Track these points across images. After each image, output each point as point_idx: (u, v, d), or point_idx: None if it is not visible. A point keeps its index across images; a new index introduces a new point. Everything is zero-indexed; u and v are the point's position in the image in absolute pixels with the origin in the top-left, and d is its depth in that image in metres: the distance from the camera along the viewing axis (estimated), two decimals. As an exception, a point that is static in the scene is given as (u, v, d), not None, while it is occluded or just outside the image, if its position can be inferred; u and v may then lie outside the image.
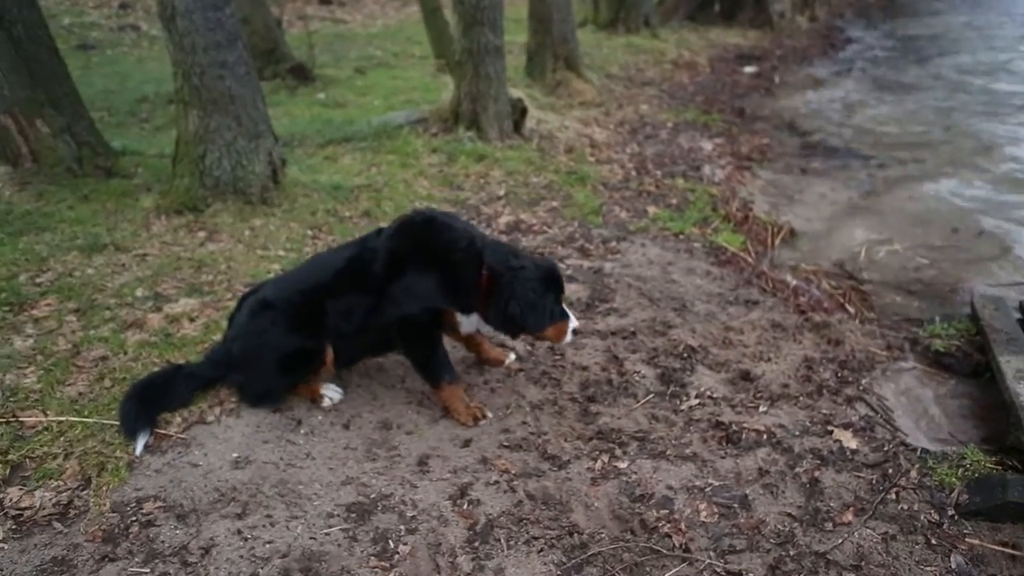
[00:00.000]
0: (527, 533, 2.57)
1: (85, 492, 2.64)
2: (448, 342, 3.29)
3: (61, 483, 2.67)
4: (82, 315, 3.72)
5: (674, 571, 2.45)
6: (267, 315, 3.06)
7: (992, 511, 2.66)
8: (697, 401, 3.35)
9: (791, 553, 2.53)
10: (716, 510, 2.71)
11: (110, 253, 4.37)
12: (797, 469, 2.94)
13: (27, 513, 2.55)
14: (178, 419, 3.02)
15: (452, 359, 3.23)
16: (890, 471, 2.93)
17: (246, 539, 2.49)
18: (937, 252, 5.48)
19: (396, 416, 3.18)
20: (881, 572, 2.47)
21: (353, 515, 2.62)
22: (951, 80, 11.90)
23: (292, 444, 2.97)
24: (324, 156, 6.33)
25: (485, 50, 6.64)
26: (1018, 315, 3.92)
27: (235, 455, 2.88)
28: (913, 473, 2.92)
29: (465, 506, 2.69)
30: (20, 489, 2.64)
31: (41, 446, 2.83)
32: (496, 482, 2.81)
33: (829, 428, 3.20)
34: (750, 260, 4.72)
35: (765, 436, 3.12)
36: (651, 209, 5.56)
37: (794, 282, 4.65)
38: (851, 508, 2.74)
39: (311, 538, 2.51)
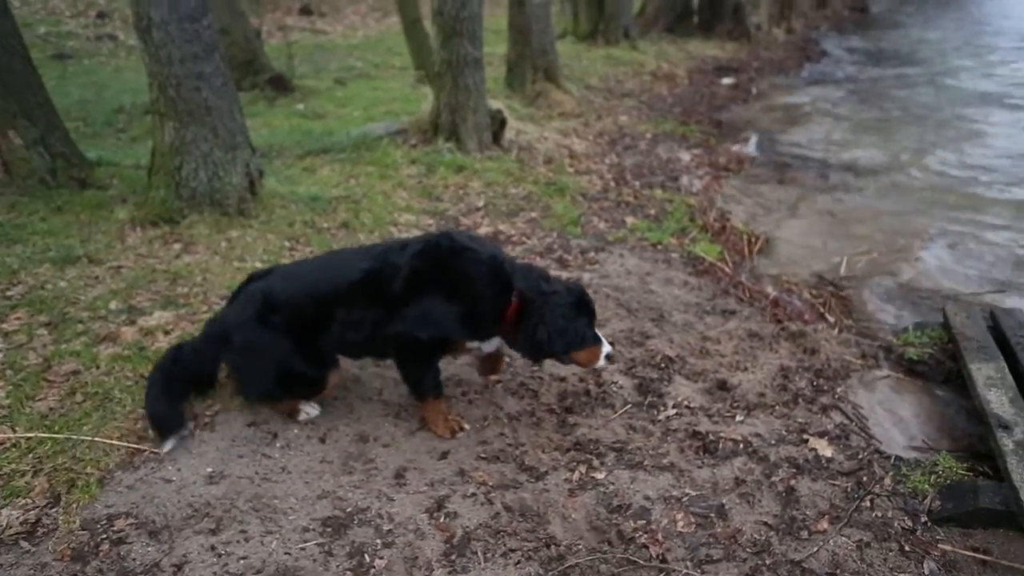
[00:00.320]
0: (504, 545, 2.56)
1: (54, 510, 2.60)
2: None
3: (29, 501, 2.62)
4: (53, 328, 3.66)
5: (651, 582, 2.45)
6: (273, 322, 2.95)
7: (964, 517, 2.70)
8: (674, 411, 3.36)
9: (767, 562, 2.54)
10: (693, 520, 2.72)
11: (83, 265, 4.32)
12: (773, 478, 2.96)
13: (-6, 532, 2.50)
14: (151, 433, 2.97)
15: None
16: (864, 479, 2.96)
17: (220, 555, 2.45)
18: (912, 260, 5.55)
19: (373, 429, 3.16)
20: (856, 579, 2.49)
21: (329, 529, 2.59)
22: (924, 92, 12.10)
23: (267, 458, 2.94)
24: (302, 167, 6.31)
25: (464, 62, 6.67)
26: (988, 323, 3.98)
27: (209, 470, 2.84)
28: (887, 480, 2.95)
29: (442, 519, 2.68)
30: (-13, 507, 2.59)
31: (9, 463, 2.78)
32: (473, 494, 2.80)
33: (805, 437, 3.22)
34: (727, 270, 4.75)
35: (742, 445, 3.14)
36: (629, 219, 5.60)
37: (774, 292, 4.68)
38: (826, 516, 2.76)
39: (286, 553, 2.48)
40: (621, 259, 4.83)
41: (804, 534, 2.67)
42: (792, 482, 2.94)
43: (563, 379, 3.55)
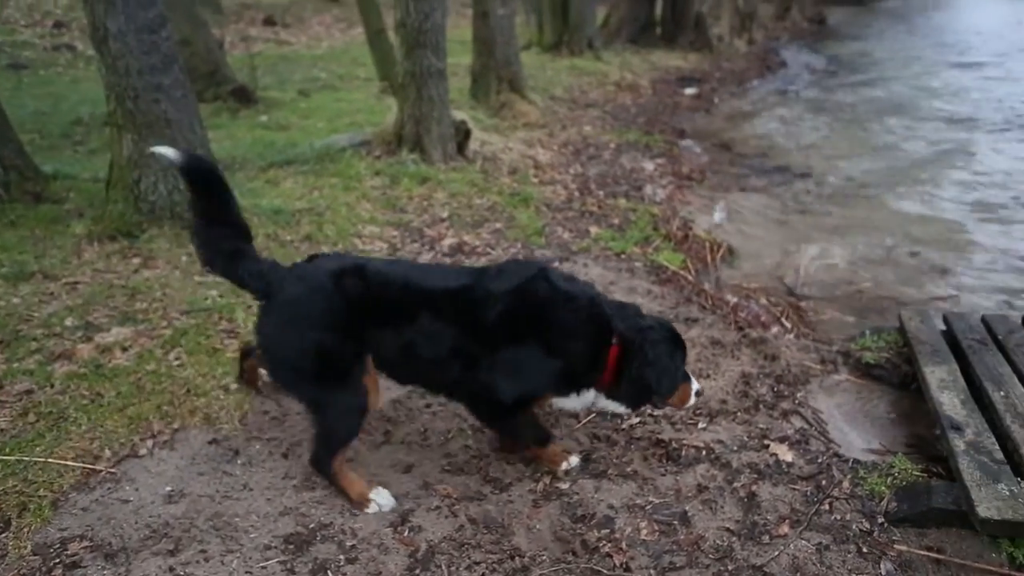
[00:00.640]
0: (469, 558, 2.56)
1: (4, 535, 2.53)
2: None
3: (-22, 526, 2.56)
4: (6, 347, 3.57)
5: (615, 591, 2.47)
6: (345, 285, 2.60)
7: (918, 517, 2.76)
8: (638, 419, 3.39)
9: (729, 568, 2.57)
10: (656, 528, 2.74)
11: (38, 281, 4.22)
12: (735, 484, 3.00)
13: (-58, 558, 2.43)
14: (107, 453, 2.92)
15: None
16: (824, 482, 3.01)
17: (178, 576, 2.41)
18: (871, 267, 5.68)
19: (337, 443, 3.13)
20: (816, 583, 2.53)
21: (291, 546, 2.56)
22: (878, 101, 12.40)
23: (229, 475, 2.90)
24: (265, 180, 6.24)
25: (428, 73, 6.67)
26: (942, 327, 4.08)
27: (168, 489, 2.79)
28: (845, 483, 3.00)
29: (406, 533, 2.66)
30: (-65, 533, 2.52)
31: (-43, 487, 2.70)
32: (438, 507, 2.79)
33: (766, 442, 3.27)
34: (690, 278, 4.81)
35: (704, 452, 3.17)
36: (593, 229, 5.64)
37: (734, 299, 4.75)
38: (787, 520, 2.80)
39: (247, 572, 2.44)
40: (585, 269, 4.86)
41: (765, 539, 2.70)
42: (753, 488, 2.97)
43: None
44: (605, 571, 2.53)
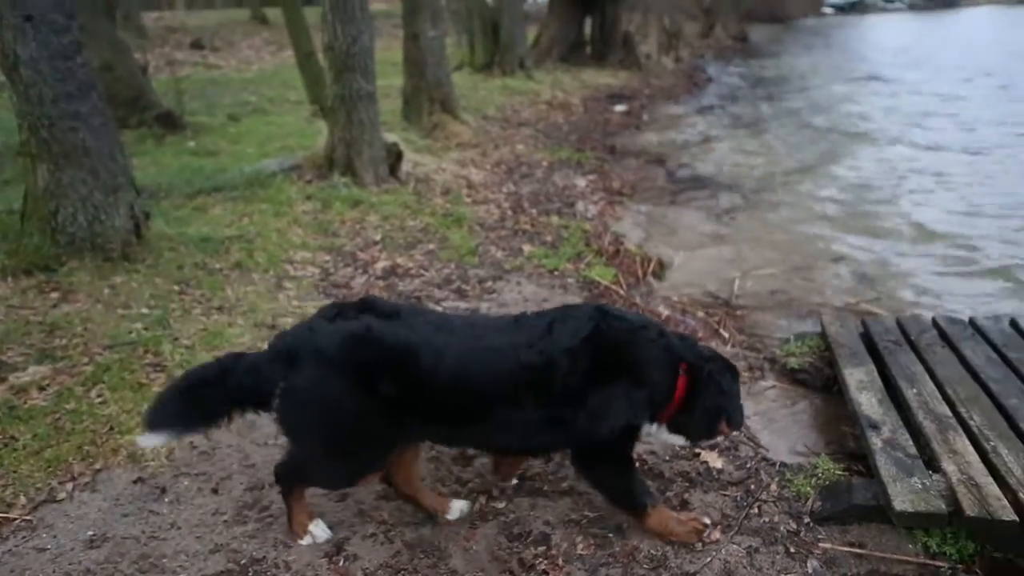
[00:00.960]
0: (405, 584, 2.54)
1: (-89, 591, 2.41)
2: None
3: None
4: (-87, 392, 3.41)
5: (552, 607, 2.48)
6: (384, 390, 2.39)
7: (841, 515, 2.86)
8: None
9: (663, 576, 2.61)
10: (592, 541, 2.77)
11: (-53, 321, 4.04)
12: (668, 493, 3.06)
13: None
14: (22, 500, 2.80)
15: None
16: (752, 487, 3.09)
17: (101, 623, 2.33)
18: (801, 273, 5.88)
19: (269, 475, 3.05)
20: (746, 585, 2.59)
21: (222, 584, 2.50)
22: (799, 114, 12.92)
23: (155, 515, 2.81)
24: (193, 207, 6.12)
25: (357, 96, 6.68)
26: (860, 330, 4.25)
27: (90, 533, 2.69)
28: (773, 487, 3.09)
29: (341, 562, 2.63)
30: None
31: None
32: (373, 534, 2.76)
33: (696, 451, 3.34)
34: (622, 292, 4.91)
35: (637, 463, 3.22)
36: (526, 247, 5.71)
37: (667, 312, 4.86)
38: (719, 526, 2.86)
39: (175, 614, 2.38)
40: (518, 287, 4.92)
41: (698, 545, 2.75)
42: (686, 495, 3.04)
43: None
44: (542, 588, 2.54)
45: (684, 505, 2.98)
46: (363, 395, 2.38)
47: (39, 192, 4.61)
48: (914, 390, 3.45)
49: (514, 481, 3.06)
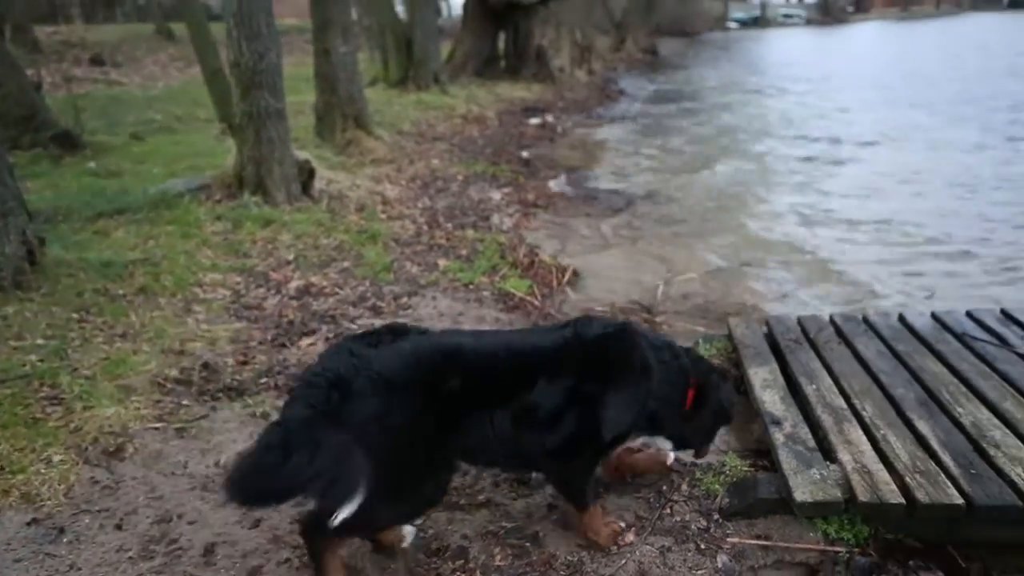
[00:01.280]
0: (321, 608, 2.50)
1: None
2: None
3: None
4: None
5: (471, 620, 2.49)
6: (450, 388, 2.35)
7: (748, 509, 2.98)
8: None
9: (579, 582, 2.66)
10: (510, 552, 2.80)
11: None
12: (584, 498, 3.11)
13: None
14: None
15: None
16: (664, 488, 3.18)
17: (-7, 675, 2.20)
18: (714, 279, 6.09)
19: (177, 506, 2.98)
20: (659, 584, 2.67)
21: (126, 624, 2.41)
22: (708, 123, 13.42)
23: (52, 557, 2.68)
24: (94, 231, 5.86)
25: (266, 113, 6.56)
26: (764, 331, 4.44)
27: (-20, 580, 2.55)
28: (684, 486, 3.19)
29: (255, 591, 2.57)
30: None
31: None
32: (288, 559, 2.70)
33: (611, 455, 3.42)
34: (536, 303, 4.98)
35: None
36: (442, 262, 5.72)
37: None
38: (632, 528, 2.93)
39: (75, 658, 2.27)
40: (434, 302, 4.92)
41: (613, 549, 2.82)
42: (600, 501, 3.10)
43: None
44: (460, 601, 2.55)
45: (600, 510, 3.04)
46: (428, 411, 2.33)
47: (-81, 220, 4.34)
48: (813, 386, 3.63)
49: None
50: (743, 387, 4.07)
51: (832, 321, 4.41)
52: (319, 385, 2.21)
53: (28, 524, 2.81)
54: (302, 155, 7.26)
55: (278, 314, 4.77)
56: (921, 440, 3.11)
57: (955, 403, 3.37)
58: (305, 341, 4.43)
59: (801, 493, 2.83)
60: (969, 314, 4.39)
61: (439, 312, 4.77)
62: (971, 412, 3.29)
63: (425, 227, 6.67)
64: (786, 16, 64.30)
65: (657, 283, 5.85)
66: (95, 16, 27.64)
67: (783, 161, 10.57)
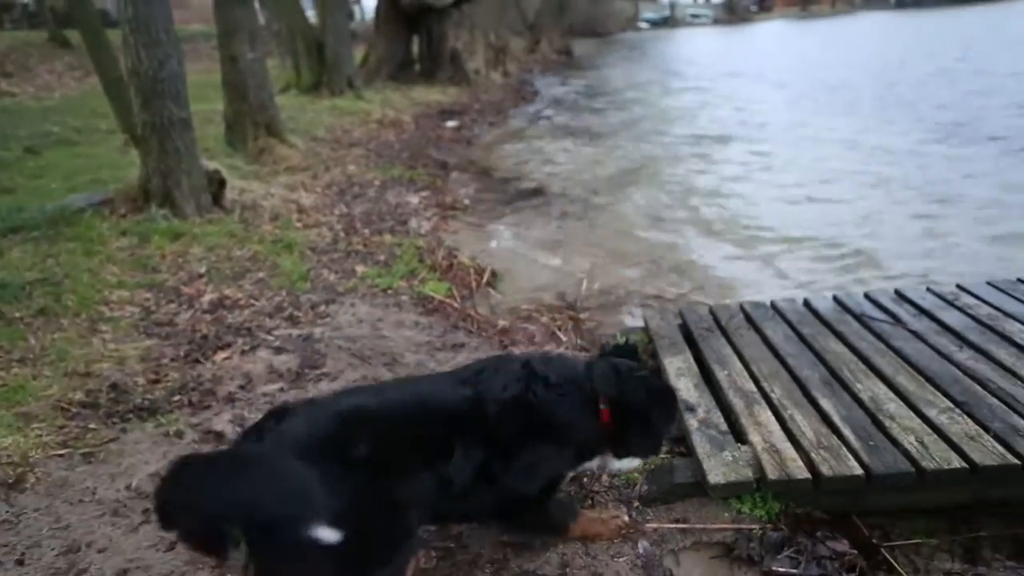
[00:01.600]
0: (242, 627, 2.44)
1: None
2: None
3: None
4: None
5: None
6: (357, 453, 2.09)
7: (665, 494, 3.07)
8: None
9: (505, 578, 2.69)
10: (435, 555, 2.80)
11: None
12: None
13: None
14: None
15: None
16: (585, 480, 3.24)
17: None
18: (634, 273, 6.22)
19: (86, 534, 2.85)
20: (584, 573, 2.72)
21: (32, 661, 2.29)
22: (624, 122, 13.70)
23: (-52, 597, 2.53)
24: (-15, 252, 5.55)
25: (170, 123, 6.34)
26: (679, 321, 4.58)
27: None
28: (604, 477, 3.26)
29: (172, 615, 2.49)
30: None
31: None
32: (206, 581, 2.64)
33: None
34: (456, 305, 4.99)
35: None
36: (360, 268, 5.66)
37: (503, 321, 4.97)
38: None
39: None
40: (352, 308, 4.87)
41: (537, 543, 2.86)
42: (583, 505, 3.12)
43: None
44: (386, 608, 2.53)
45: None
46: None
47: None
48: (725, 371, 3.77)
49: None
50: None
51: (742, 308, 4.58)
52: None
53: (-82, 566, 2.65)
54: (212, 165, 7.06)
55: (191, 329, 4.62)
56: (825, 417, 3.27)
57: (855, 380, 3.56)
58: (220, 355, 4.32)
59: (714, 475, 2.94)
60: (867, 296, 4.64)
61: (358, 319, 4.72)
62: (869, 388, 3.47)
63: (342, 234, 6.58)
64: (694, 16, 66.35)
65: (578, 278, 5.95)
66: (-19, 24, 26.08)
67: (697, 157, 10.90)
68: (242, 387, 3.95)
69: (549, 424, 2.49)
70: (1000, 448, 2.92)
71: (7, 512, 2.93)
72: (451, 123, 12.94)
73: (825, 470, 2.87)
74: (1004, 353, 3.71)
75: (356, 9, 36.86)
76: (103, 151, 9.56)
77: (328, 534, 1.86)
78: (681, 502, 3.06)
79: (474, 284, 5.48)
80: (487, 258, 6.29)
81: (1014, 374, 3.50)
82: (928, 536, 2.90)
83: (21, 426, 3.44)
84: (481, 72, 19.83)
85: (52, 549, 2.77)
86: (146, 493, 3.09)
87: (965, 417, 3.16)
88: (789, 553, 2.79)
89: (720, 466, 2.99)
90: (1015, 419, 3.12)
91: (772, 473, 2.90)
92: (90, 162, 8.89)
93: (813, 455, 2.97)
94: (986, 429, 3.05)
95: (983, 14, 37.13)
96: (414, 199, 7.85)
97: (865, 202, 8.19)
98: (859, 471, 2.86)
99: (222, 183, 6.86)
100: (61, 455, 3.31)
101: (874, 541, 2.86)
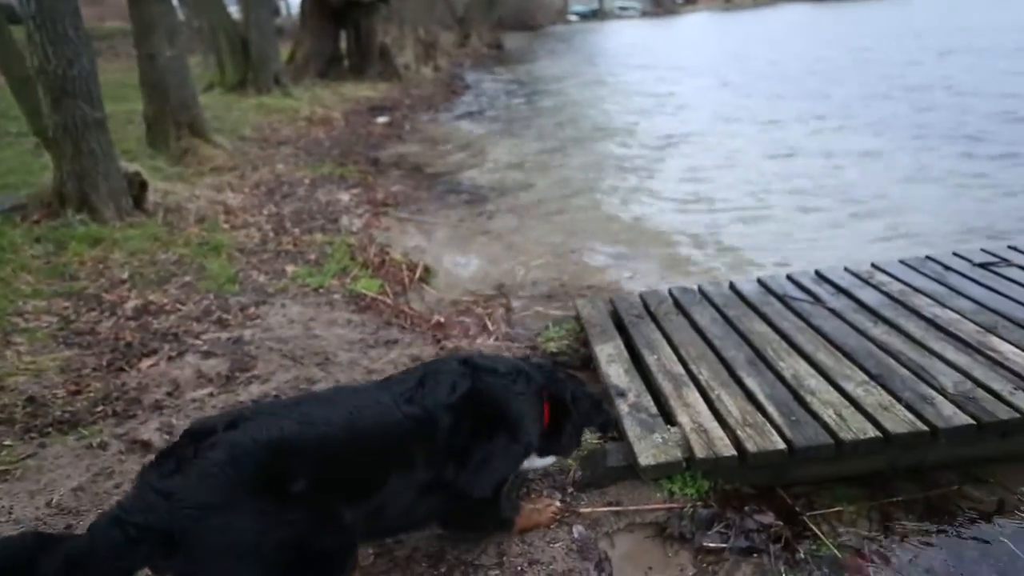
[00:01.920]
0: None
1: None
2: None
3: None
4: None
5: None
6: (294, 490, 1.98)
7: (599, 479, 3.13)
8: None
9: (442, 570, 2.69)
10: (371, 553, 2.78)
11: None
12: (441, 491, 3.14)
13: None
14: None
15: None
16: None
17: None
18: (567, 264, 6.29)
19: None
20: (521, 560, 2.75)
21: None
22: (553, 113, 13.80)
23: None
24: None
25: (84, 124, 6.11)
26: (609, 308, 4.65)
27: None
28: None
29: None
30: None
31: None
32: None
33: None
34: (388, 302, 4.96)
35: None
36: (290, 268, 5.57)
37: (436, 316, 4.97)
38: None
39: None
40: (283, 309, 4.79)
41: (472, 535, 2.87)
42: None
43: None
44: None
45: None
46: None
47: None
48: (654, 356, 3.85)
49: None
50: (592, 364, 4.27)
51: (671, 294, 4.68)
52: (134, 551, 1.81)
53: None
54: (132, 167, 6.83)
55: (114, 337, 4.47)
56: (750, 396, 3.39)
57: (778, 359, 3.69)
58: (146, 362, 4.19)
59: (645, 458, 3.01)
60: (789, 277, 4.81)
61: (289, 319, 4.64)
62: (791, 365, 3.61)
63: (272, 234, 6.45)
64: (623, 8, 67.19)
65: (511, 270, 5.98)
66: None
67: (625, 146, 11.07)
68: (170, 394, 3.85)
69: (503, 414, 2.49)
70: (911, 416, 3.08)
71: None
72: (382, 119, 12.80)
73: (750, 447, 2.97)
74: (914, 326, 3.90)
75: (282, 5, 36.07)
76: (13, 154, 9.13)
77: None
78: (614, 485, 3.12)
79: (407, 280, 5.45)
80: (420, 254, 6.27)
81: (923, 346, 3.69)
82: (849, 503, 3.03)
83: (-71, 446, 3.28)
84: (411, 67, 19.67)
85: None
86: (68, 509, 2.99)
87: (879, 389, 3.32)
88: (719, 528, 2.87)
89: (650, 448, 3.06)
90: (924, 388, 3.29)
91: (700, 452, 2.99)
92: None
93: (739, 433, 3.07)
94: (898, 399, 3.21)
95: (899, 7, 38.72)
96: (345, 197, 7.75)
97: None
98: (782, 446, 2.98)
99: (143, 185, 6.64)
100: (-25, 475, 3.17)
101: (798, 511, 2.98)
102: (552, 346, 4.41)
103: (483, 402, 2.45)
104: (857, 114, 12.44)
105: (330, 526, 2.06)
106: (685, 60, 23.03)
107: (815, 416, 3.15)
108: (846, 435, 2.99)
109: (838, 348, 3.75)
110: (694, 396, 3.43)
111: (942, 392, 3.25)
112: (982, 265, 4.71)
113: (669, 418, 3.31)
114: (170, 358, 4.20)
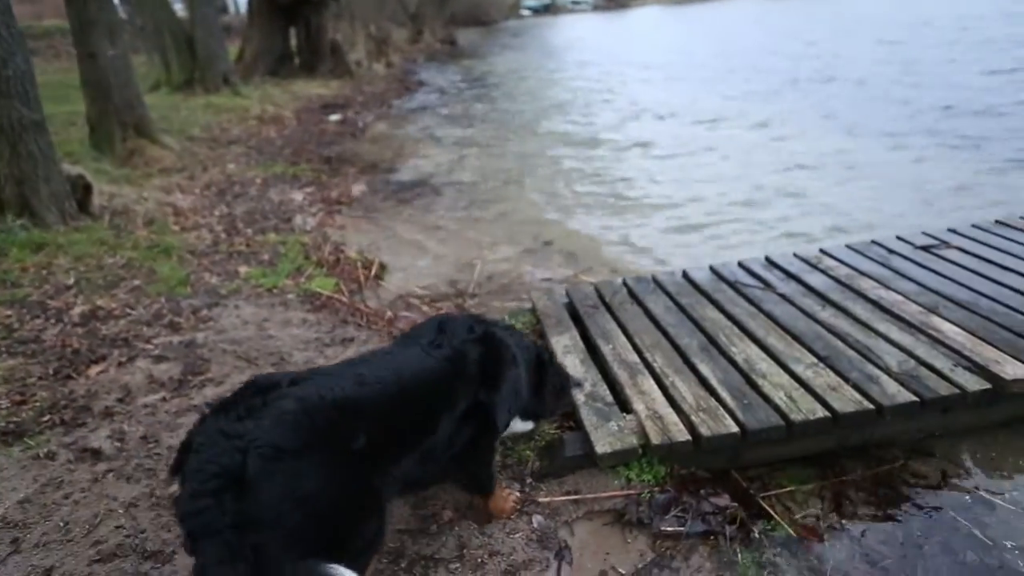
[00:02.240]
0: (129, 647, 2.35)
1: None
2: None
3: None
4: None
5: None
6: (358, 445, 2.06)
7: (557, 469, 3.16)
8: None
9: (403, 564, 2.69)
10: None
11: None
12: (404, 485, 3.14)
13: None
14: None
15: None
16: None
17: None
18: (524, 258, 6.30)
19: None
20: (481, 552, 2.76)
21: None
22: (508, 110, 13.81)
23: None
24: None
25: (21, 126, 5.90)
26: (565, 299, 4.68)
27: None
28: (498, 457, 3.31)
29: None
30: None
31: None
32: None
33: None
34: (344, 300, 4.91)
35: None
36: (243, 269, 5.48)
37: (389, 313, 4.94)
38: (449, 506, 3.01)
39: None
40: (237, 311, 4.71)
41: (433, 528, 2.88)
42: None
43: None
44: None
45: (419, 496, 3.07)
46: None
47: None
48: (609, 346, 3.90)
49: None
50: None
51: (625, 284, 4.73)
52: (204, 493, 1.80)
53: None
54: (75, 170, 6.63)
55: (60, 344, 4.35)
56: (703, 381, 3.45)
57: (730, 344, 3.76)
58: (94, 369, 4.09)
59: (602, 446, 3.04)
60: (740, 264, 4.90)
61: (243, 321, 4.57)
62: (743, 350, 3.68)
63: (223, 235, 6.34)
64: (575, 3, 67.48)
65: (467, 265, 5.98)
66: None
67: (577, 140, 11.13)
68: (120, 400, 3.77)
69: (514, 358, 2.74)
70: (858, 396, 3.17)
71: None
72: (334, 117, 12.65)
73: (704, 431, 3.03)
74: (860, 309, 4.02)
75: (229, 2, 35.33)
76: (-51, 160, 8.79)
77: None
78: (572, 474, 3.15)
79: (362, 278, 5.40)
80: (375, 251, 6.22)
81: (868, 327, 3.80)
82: (801, 483, 3.11)
83: None
84: (363, 64, 19.47)
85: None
86: (14, 522, 2.91)
87: (828, 370, 3.41)
88: (676, 512, 2.93)
89: (607, 436, 3.10)
90: (870, 368, 3.39)
91: (656, 438, 3.04)
92: (-65, 173, 8.15)
93: (693, 418, 3.13)
94: (845, 380, 3.31)
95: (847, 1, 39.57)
96: (298, 196, 7.64)
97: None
98: (735, 429, 3.04)
99: (88, 188, 6.46)
100: (-86, 490, 3.06)
101: (752, 493, 3.05)
102: (505, 338, 4.41)
103: (499, 342, 2.69)
104: (790, 112, 12.70)
105: (377, 488, 2.15)
106: (632, 55, 23.24)
107: (766, 399, 3.23)
108: (796, 416, 3.06)
109: (788, 332, 3.84)
110: (649, 384, 3.47)
111: (887, 371, 3.35)
112: (924, 248, 4.87)
113: (625, 406, 3.36)
114: (120, 364, 4.11)
